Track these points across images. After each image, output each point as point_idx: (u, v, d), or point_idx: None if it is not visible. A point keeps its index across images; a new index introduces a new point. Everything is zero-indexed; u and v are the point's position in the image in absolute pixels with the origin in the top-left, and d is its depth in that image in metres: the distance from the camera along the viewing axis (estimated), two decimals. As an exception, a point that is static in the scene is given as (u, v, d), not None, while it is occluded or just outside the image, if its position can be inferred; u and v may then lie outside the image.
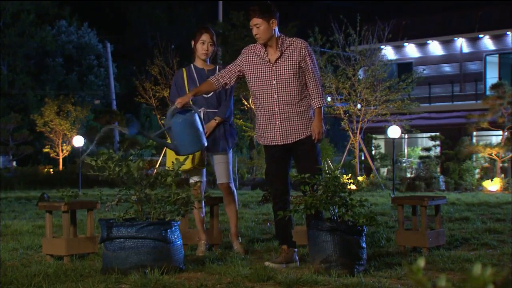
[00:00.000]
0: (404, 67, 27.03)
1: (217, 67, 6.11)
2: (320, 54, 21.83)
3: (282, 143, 5.30)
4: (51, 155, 27.22)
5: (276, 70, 5.26)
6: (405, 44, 27.53)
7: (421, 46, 28.18)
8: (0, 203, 13.31)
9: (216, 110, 5.99)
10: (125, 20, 46.78)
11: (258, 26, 5.21)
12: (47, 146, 27.06)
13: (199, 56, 6.07)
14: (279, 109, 5.26)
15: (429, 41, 27.87)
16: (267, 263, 5.11)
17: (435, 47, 28.02)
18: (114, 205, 5.04)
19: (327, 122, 20.89)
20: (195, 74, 6.06)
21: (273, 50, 5.30)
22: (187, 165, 5.80)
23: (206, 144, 5.47)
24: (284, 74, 5.25)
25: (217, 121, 5.96)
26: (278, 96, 5.25)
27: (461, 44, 27.33)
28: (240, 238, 6.94)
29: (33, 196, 15.80)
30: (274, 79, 5.26)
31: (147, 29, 45.66)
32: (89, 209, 5.88)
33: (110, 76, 36.68)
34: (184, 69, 6.15)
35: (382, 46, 22.65)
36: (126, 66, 40.60)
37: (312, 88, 5.29)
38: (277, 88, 5.25)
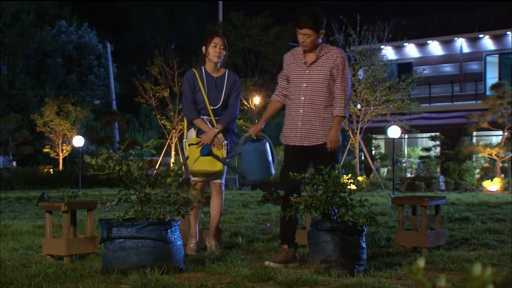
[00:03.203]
0: (404, 67, 27.03)
1: (226, 71, 6.16)
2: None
3: (299, 144, 5.36)
4: (51, 155, 27.22)
5: (308, 73, 5.36)
6: (405, 44, 27.53)
7: (421, 46, 28.18)
8: (0, 203, 13.31)
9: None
10: (125, 20, 46.79)
11: (308, 36, 5.29)
12: (47, 146, 27.06)
13: (211, 59, 6.06)
14: (303, 111, 5.34)
15: (429, 41, 27.88)
16: (267, 263, 5.12)
17: (435, 47, 28.02)
18: (114, 205, 5.04)
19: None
20: (205, 79, 6.07)
21: (311, 54, 5.39)
22: (209, 167, 5.88)
23: (273, 173, 5.67)
24: (315, 78, 5.34)
25: (217, 130, 5.99)
26: (304, 99, 5.33)
27: (461, 44, 27.33)
28: (240, 238, 6.95)
29: (33, 196, 15.79)
30: (304, 82, 5.36)
31: (147, 29, 45.67)
32: (89, 209, 5.88)
33: (110, 76, 36.69)
34: (195, 70, 6.15)
35: (382, 46, 22.66)
36: (126, 66, 40.58)
37: (337, 96, 5.35)
38: (305, 90, 5.34)
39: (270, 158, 5.53)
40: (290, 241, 5.34)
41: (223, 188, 6.17)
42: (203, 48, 6.11)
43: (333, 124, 5.34)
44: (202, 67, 6.15)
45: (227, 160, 5.76)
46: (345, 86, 5.36)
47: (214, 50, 6.03)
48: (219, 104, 6.03)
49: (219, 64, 6.12)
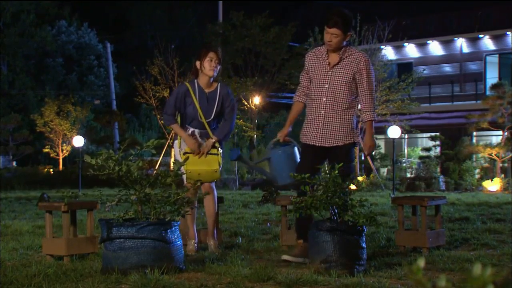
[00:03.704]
0: (404, 67, 27.03)
1: (218, 85, 6.21)
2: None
3: (319, 144, 5.42)
4: (51, 155, 27.21)
5: (331, 75, 5.40)
6: (405, 44, 27.52)
7: (421, 46, 28.17)
8: (0, 203, 13.30)
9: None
10: (125, 20, 46.77)
11: (336, 36, 5.32)
12: (47, 146, 27.05)
13: (207, 73, 6.11)
14: (324, 112, 5.39)
15: (429, 41, 27.87)
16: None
17: (435, 47, 28.02)
18: (114, 205, 5.04)
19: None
20: (197, 93, 6.12)
21: (335, 56, 5.42)
22: (206, 166, 5.97)
23: None
24: (337, 80, 5.38)
25: (213, 141, 6.04)
26: (326, 100, 5.38)
27: (461, 44, 27.33)
28: (240, 238, 6.95)
29: (33, 196, 15.79)
30: (326, 83, 5.40)
31: (147, 29, 45.66)
32: (89, 209, 5.88)
33: (110, 76, 36.68)
34: (187, 84, 6.21)
35: (382, 46, 22.66)
36: (126, 66, 40.57)
37: (364, 101, 5.41)
38: (327, 91, 5.39)
39: (298, 161, 5.59)
40: (305, 236, 5.38)
41: (213, 186, 6.20)
42: (197, 63, 6.18)
43: (366, 129, 5.48)
44: (195, 80, 6.20)
45: (256, 164, 5.79)
46: (371, 90, 5.43)
47: (210, 64, 6.09)
48: (211, 118, 6.11)
49: (212, 79, 6.16)
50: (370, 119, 5.41)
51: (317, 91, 5.43)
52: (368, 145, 5.46)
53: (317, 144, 5.43)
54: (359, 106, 5.51)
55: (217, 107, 6.12)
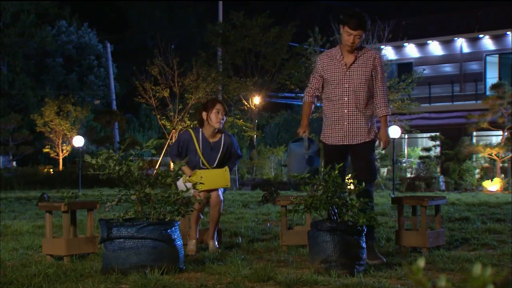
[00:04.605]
0: (404, 67, 27.02)
1: (222, 135, 6.32)
2: (320, 54, 21.81)
3: (348, 143, 5.51)
4: (51, 155, 27.21)
5: (349, 74, 5.50)
6: (405, 44, 27.52)
7: (421, 46, 28.17)
8: (0, 203, 13.30)
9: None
10: (125, 20, 46.78)
11: (359, 37, 5.45)
12: (47, 146, 27.05)
13: (213, 125, 6.23)
14: (348, 111, 5.49)
15: (429, 41, 27.87)
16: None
17: (435, 47, 28.02)
18: (114, 205, 5.04)
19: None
20: (201, 142, 6.24)
21: (350, 56, 5.53)
22: (221, 183, 6.21)
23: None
24: (357, 78, 5.49)
25: (226, 171, 6.23)
26: (348, 99, 5.49)
27: (461, 44, 27.33)
28: (240, 238, 6.96)
29: (33, 196, 15.79)
30: (346, 83, 5.50)
31: (147, 29, 45.66)
32: (89, 209, 5.88)
33: (110, 76, 36.69)
34: (192, 132, 6.31)
35: (382, 46, 22.66)
36: (126, 66, 40.58)
37: (379, 97, 5.57)
38: (348, 91, 5.49)
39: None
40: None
41: (221, 197, 6.25)
42: (204, 114, 6.27)
43: (382, 124, 5.59)
44: (200, 130, 6.32)
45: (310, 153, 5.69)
46: (384, 85, 5.62)
47: (217, 117, 6.22)
48: (214, 165, 6.25)
49: (216, 129, 6.28)
50: (385, 114, 5.57)
51: (337, 92, 5.52)
52: (384, 139, 5.57)
53: (346, 143, 5.51)
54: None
55: (221, 155, 6.27)
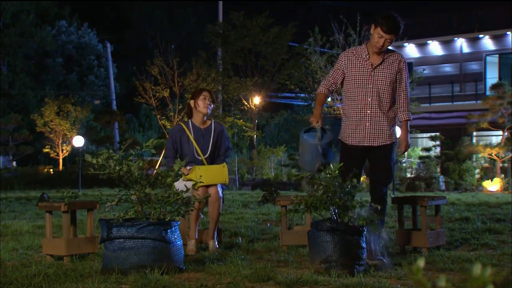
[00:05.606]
0: (404, 67, 26.98)
1: (212, 122, 6.49)
2: (320, 54, 21.82)
3: (369, 144, 5.43)
4: (51, 155, 27.22)
5: (374, 75, 5.42)
6: (405, 44, 27.52)
7: (421, 46, 28.17)
8: (0, 203, 13.30)
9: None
10: (125, 20, 46.77)
11: (389, 42, 5.39)
12: (47, 146, 27.06)
13: (201, 111, 6.39)
14: (370, 112, 5.41)
15: (429, 41, 27.87)
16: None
17: (435, 47, 28.02)
18: (114, 205, 5.04)
19: (327, 122, 20.88)
20: (192, 131, 6.38)
21: (377, 57, 5.45)
22: (219, 179, 6.26)
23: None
24: (382, 80, 5.42)
25: (224, 167, 6.32)
26: (371, 100, 5.40)
27: (461, 44, 27.33)
28: (240, 238, 6.96)
29: (33, 196, 15.79)
30: (370, 83, 5.41)
31: (147, 29, 45.65)
32: (89, 209, 5.88)
33: (110, 76, 36.68)
34: (182, 124, 6.47)
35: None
36: (126, 66, 40.60)
37: (402, 101, 5.51)
38: (372, 92, 5.41)
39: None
40: None
41: (221, 193, 6.27)
42: (192, 102, 6.46)
43: (402, 128, 5.54)
44: (189, 120, 6.47)
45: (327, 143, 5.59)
46: (408, 90, 5.54)
47: (204, 102, 6.39)
48: (208, 153, 6.33)
49: (205, 117, 6.43)
50: (407, 118, 5.52)
51: (360, 92, 5.42)
52: (404, 144, 5.52)
53: (367, 145, 5.42)
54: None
55: (212, 141, 6.35)
